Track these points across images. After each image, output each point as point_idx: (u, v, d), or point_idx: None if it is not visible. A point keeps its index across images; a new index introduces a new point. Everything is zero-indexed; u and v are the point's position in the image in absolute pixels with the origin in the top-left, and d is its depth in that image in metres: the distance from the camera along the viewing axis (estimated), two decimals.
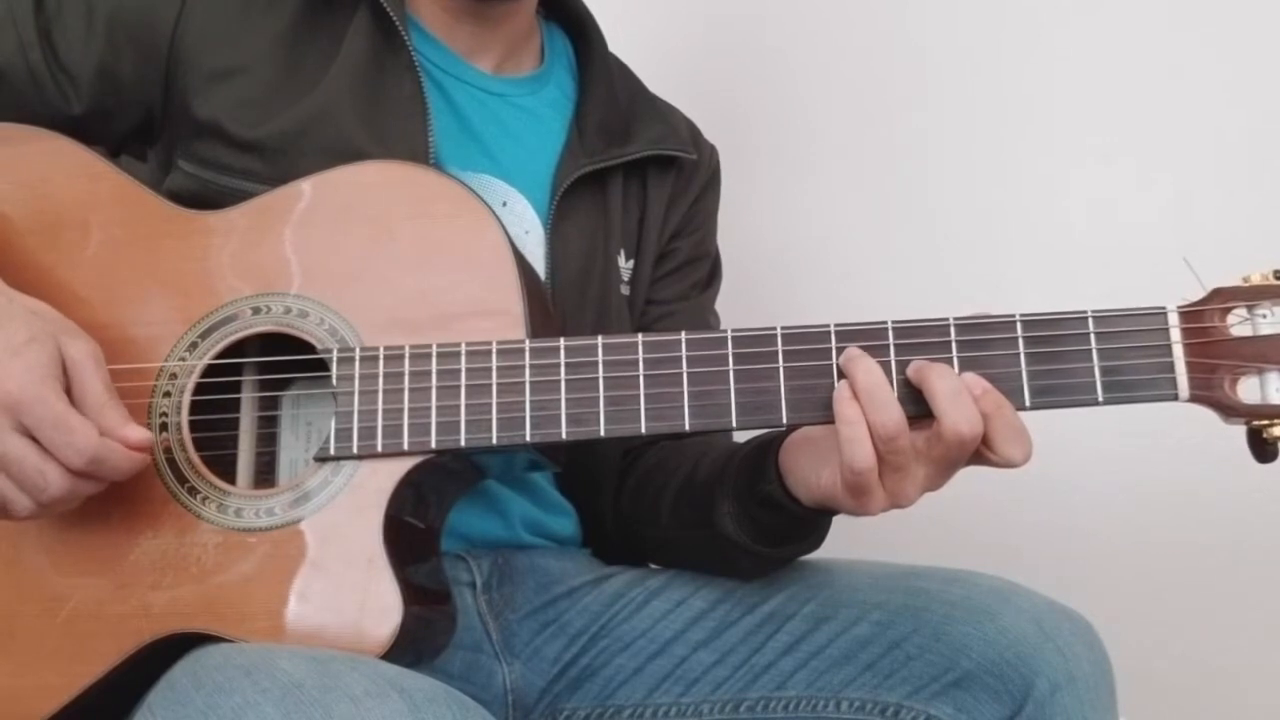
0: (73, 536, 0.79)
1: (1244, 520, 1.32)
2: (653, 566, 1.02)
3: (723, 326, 1.05)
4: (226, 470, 0.83)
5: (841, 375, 0.75)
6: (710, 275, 1.14)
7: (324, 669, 0.65)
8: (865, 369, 0.74)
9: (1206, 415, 0.75)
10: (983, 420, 0.72)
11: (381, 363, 0.79)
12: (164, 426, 0.81)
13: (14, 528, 0.78)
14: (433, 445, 0.78)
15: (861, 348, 0.75)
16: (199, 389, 0.82)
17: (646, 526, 1.00)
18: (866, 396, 0.73)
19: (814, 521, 0.86)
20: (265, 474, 0.87)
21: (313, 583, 0.76)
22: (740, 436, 0.87)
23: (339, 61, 0.94)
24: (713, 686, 0.92)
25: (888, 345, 0.76)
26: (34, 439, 0.73)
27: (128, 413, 0.76)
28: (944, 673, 0.84)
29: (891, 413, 0.72)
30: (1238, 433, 0.75)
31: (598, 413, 0.77)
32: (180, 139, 0.93)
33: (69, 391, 0.75)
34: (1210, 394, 0.74)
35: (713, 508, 0.88)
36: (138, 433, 0.75)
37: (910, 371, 0.75)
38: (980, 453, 0.73)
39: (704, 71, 1.54)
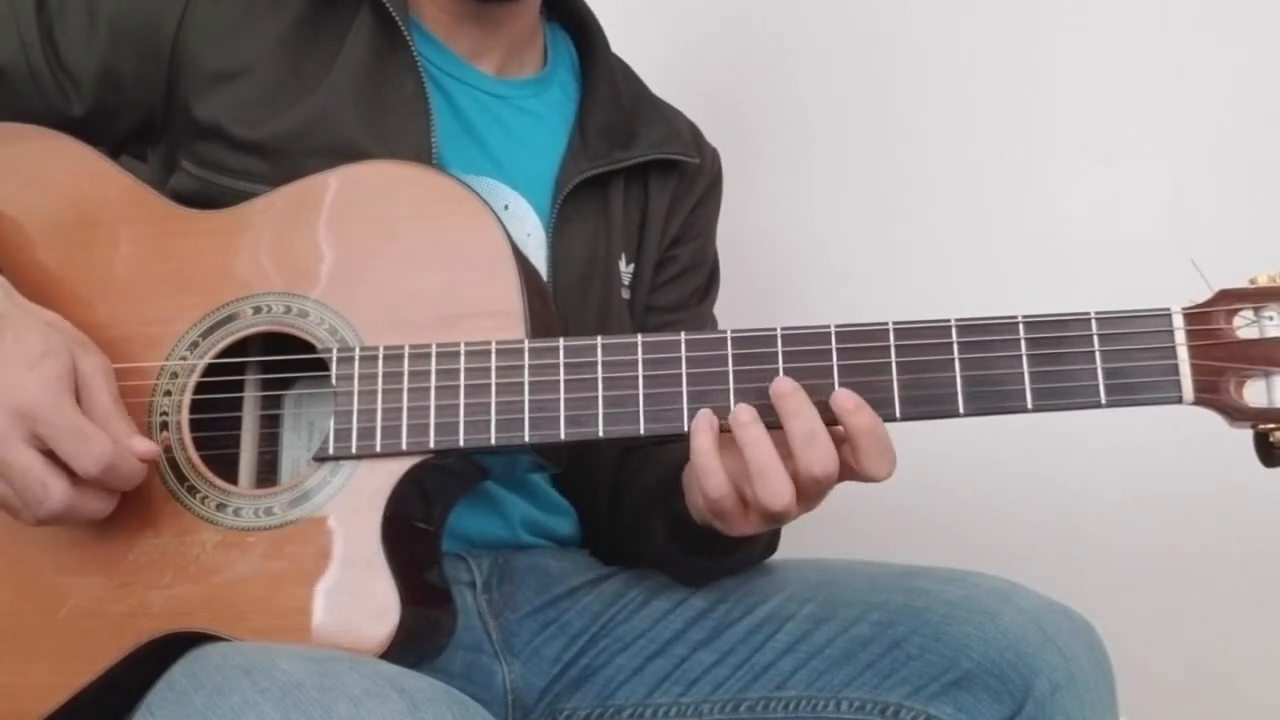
0: (73, 535, 0.79)
1: (1244, 522, 1.32)
2: None
3: (722, 327, 1.05)
4: (228, 469, 0.83)
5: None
6: (709, 282, 1.14)
7: (323, 669, 0.65)
8: (754, 439, 0.73)
9: (1208, 416, 0.74)
10: (849, 438, 0.73)
11: (380, 363, 0.79)
12: (164, 425, 0.81)
13: (16, 526, 0.78)
14: (431, 445, 0.78)
15: (861, 348, 0.75)
16: (200, 388, 0.82)
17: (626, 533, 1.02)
18: (756, 471, 0.73)
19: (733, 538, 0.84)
20: (268, 473, 0.87)
21: (311, 582, 0.76)
22: None
23: (341, 62, 0.94)
24: (713, 686, 0.92)
25: (888, 346, 0.75)
26: (45, 452, 0.73)
27: (134, 425, 0.77)
28: (944, 673, 0.84)
29: (781, 491, 0.73)
30: (1236, 435, 0.75)
31: (596, 413, 0.77)
32: (183, 140, 0.93)
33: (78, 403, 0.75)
34: (1216, 397, 0.73)
35: (651, 521, 0.91)
36: (144, 445, 0.76)
37: (774, 396, 0.74)
38: (844, 467, 0.74)
39: (704, 72, 1.54)
